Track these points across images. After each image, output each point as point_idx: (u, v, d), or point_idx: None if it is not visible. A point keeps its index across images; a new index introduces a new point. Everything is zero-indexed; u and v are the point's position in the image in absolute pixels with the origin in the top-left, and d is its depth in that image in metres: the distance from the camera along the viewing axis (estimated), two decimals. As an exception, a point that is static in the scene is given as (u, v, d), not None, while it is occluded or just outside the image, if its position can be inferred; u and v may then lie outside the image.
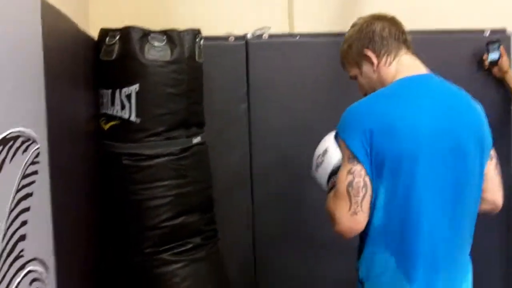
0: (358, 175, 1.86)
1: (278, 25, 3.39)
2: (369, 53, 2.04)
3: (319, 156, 2.24)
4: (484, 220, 3.36)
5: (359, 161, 1.85)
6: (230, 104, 3.22)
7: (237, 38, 3.22)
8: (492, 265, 3.53)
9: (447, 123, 1.91)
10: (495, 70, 3.35)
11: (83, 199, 2.31)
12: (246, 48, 3.22)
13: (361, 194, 1.86)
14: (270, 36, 3.25)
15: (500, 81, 3.37)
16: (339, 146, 1.96)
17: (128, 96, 2.56)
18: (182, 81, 2.63)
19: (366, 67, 2.07)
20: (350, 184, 1.86)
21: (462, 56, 3.37)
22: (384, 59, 2.03)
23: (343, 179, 1.87)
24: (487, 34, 3.41)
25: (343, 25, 3.38)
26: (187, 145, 2.68)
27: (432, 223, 1.89)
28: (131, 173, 2.61)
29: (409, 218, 1.88)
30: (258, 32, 3.23)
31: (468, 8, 3.60)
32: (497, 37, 3.35)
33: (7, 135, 1.33)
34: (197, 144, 2.74)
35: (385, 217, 1.89)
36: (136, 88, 2.55)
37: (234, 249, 3.18)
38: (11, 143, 1.34)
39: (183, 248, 2.67)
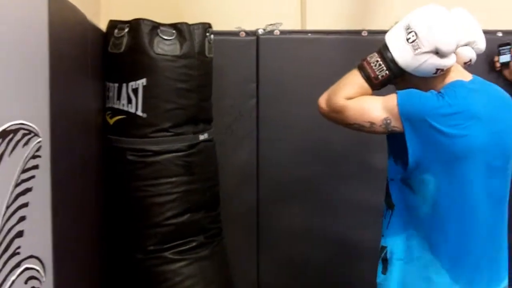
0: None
1: (289, 21, 3.34)
2: None
3: (415, 34, 1.96)
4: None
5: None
6: (239, 99, 3.18)
7: (248, 33, 3.18)
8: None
9: (499, 131, 2.01)
10: (506, 72, 3.31)
11: (86, 195, 2.27)
12: (257, 43, 3.18)
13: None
14: (282, 32, 3.20)
15: (511, 83, 3.33)
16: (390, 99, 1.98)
17: (135, 90, 2.52)
18: (191, 76, 2.58)
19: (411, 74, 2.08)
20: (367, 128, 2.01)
21: (474, 56, 3.32)
22: None
23: (380, 117, 1.97)
24: (499, 35, 3.36)
25: (355, 23, 3.38)
26: (194, 141, 2.63)
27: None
28: (136, 169, 2.56)
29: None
30: (270, 28, 3.19)
31: (481, 9, 3.55)
32: (508, 39, 3.31)
33: (7, 127, 1.28)
34: (205, 140, 2.69)
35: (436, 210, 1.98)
36: (143, 82, 2.51)
37: (239, 247, 3.14)
38: (11, 135, 1.30)
39: (187, 247, 2.62)
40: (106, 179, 2.62)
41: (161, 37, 2.52)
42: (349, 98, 2.01)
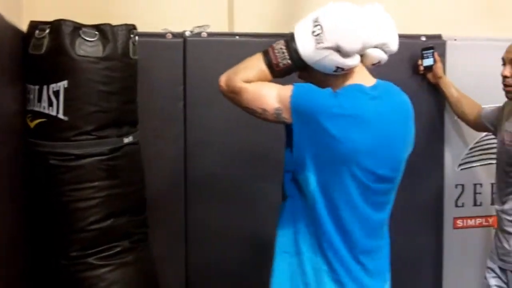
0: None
1: (217, 24, 3.32)
2: None
3: (321, 29, 1.95)
4: (416, 222, 3.42)
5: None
6: (166, 102, 3.14)
7: (175, 35, 3.14)
8: (422, 268, 3.57)
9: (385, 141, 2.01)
10: (429, 75, 3.39)
11: (5, 200, 2.21)
12: (184, 45, 3.14)
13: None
14: (209, 34, 3.17)
15: (435, 86, 3.40)
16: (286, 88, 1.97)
17: (56, 93, 2.46)
18: (114, 79, 2.54)
19: (315, 71, 2.04)
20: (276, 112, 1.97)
21: (399, 60, 3.37)
22: None
23: (272, 106, 1.96)
24: (423, 39, 3.44)
25: (283, 26, 3.38)
26: (118, 145, 2.59)
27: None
28: (59, 173, 2.50)
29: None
30: (197, 30, 3.16)
31: (405, 14, 3.62)
32: (432, 43, 3.40)
33: None
34: (129, 144, 2.65)
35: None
36: (64, 85, 2.45)
37: (166, 252, 3.10)
38: None
39: (111, 252, 2.57)
40: (28, 184, 2.55)
41: (83, 38, 2.47)
42: (248, 81, 2.01)
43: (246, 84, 2.01)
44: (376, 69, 3.33)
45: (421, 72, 3.39)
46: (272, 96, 1.97)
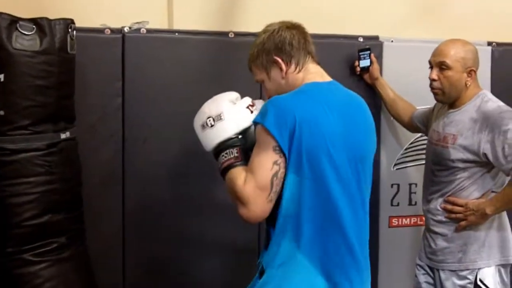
0: (283, 167, 1.99)
1: (156, 20, 3.32)
2: (279, 60, 2.16)
3: (210, 117, 2.18)
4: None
5: (283, 153, 1.98)
6: (104, 98, 3.11)
7: (114, 31, 3.11)
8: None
9: (352, 126, 2.10)
10: (366, 76, 3.44)
11: None
12: (123, 41, 3.12)
13: (280, 185, 2.01)
14: (148, 30, 3.16)
15: (371, 86, 3.46)
16: (258, 133, 2.03)
17: (-8, 87, 2.42)
18: (51, 73, 2.51)
19: (274, 73, 2.19)
20: (275, 175, 1.99)
21: (336, 61, 3.43)
22: (293, 67, 2.17)
23: (269, 168, 1.98)
24: (360, 40, 3.51)
25: (223, 24, 3.40)
26: (55, 140, 2.56)
27: (348, 220, 2.06)
28: (-7, 168, 2.47)
29: (329, 214, 2.04)
30: (136, 26, 3.14)
31: (343, 15, 3.68)
32: (368, 44, 3.46)
33: None
34: (66, 139, 2.62)
35: (300, 209, 2.02)
36: (1, 78, 2.42)
37: (104, 249, 3.09)
38: None
39: (47, 248, 2.55)
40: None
41: (20, 31, 2.43)
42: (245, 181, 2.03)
43: (246, 184, 2.02)
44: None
45: (358, 72, 3.44)
46: (264, 152, 2.01)
